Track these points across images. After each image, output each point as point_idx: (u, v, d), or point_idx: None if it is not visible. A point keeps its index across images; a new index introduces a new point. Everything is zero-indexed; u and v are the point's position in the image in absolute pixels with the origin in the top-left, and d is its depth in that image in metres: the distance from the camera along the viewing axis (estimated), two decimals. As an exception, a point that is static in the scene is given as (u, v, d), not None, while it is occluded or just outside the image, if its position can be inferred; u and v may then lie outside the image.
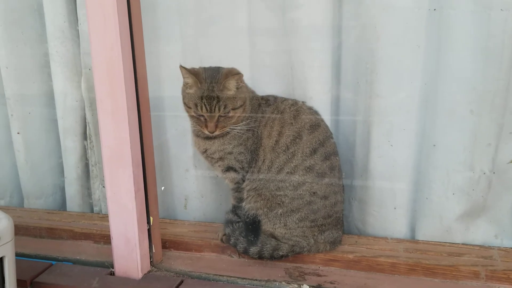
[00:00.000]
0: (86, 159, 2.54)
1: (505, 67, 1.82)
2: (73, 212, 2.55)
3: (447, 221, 2.04)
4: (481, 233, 2.04)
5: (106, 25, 1.60)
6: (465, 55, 1.84)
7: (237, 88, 1.85)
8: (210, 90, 1.81)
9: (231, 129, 1.88)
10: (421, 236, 2.09)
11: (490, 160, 1.94)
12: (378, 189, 2.10)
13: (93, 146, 2.46)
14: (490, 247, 1.98)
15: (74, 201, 2.57)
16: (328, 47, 2.06)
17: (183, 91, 1.91)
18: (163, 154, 2.39)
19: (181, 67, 1.84)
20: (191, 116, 1.89)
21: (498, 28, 1.77)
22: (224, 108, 1.81)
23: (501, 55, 1.81)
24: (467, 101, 1.89)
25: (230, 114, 1.84)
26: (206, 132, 1.85)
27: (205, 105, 1.81)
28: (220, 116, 1.82)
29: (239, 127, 1.89)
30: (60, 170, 2.62)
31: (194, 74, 1.83)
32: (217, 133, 1.85)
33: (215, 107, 1.81)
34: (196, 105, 1.83)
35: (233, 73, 1.83)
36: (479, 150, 1.93)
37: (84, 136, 2.49)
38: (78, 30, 2.33)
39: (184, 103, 1.90)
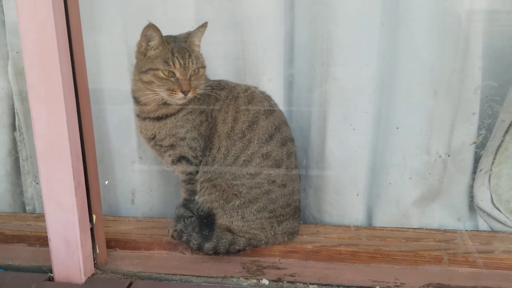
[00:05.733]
0: (16, 153, 2.35)
1: (461, 47, 1.80)
2: (3, 213, 2.36)
3: (404, 206, 2.02)
4: (437, 216, 2.05)
5: (37, -2, 1.41)
6: (422, 34, 1.81)
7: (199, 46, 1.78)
8: (179, 46, 1.71)
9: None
10: (378, 222, 2.07)
11: (446, 143, 1.94)
12: (335, 175, 2.05)
13: (23, 138, 2.28)
14: (446, 231, 1.99)
15: (3, 200, 2.39)
16: (281, 28, 1.97)
17: (142, 58, 1.74)
18: (103, 145, 2.21)
19: (151, 23, 1.66)
20: (158, 80, 1.69)
21: (455, 6, 1.76)
22: (196, 62, 1.72)
23: (457, 34, 1.80)
24: (424, 82, 1.86)
25: (201, 73, 1.75)
26: (179, 95, 1.69)
27: (178, 59, 1.68)
28: (191, 75, 1.71)
29: (205, 88, 1.78)
30: (-15, 166, 2.40)
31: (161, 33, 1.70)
32: (190, 95, 1.71)
33: (188, 61, 1.69)
34: (167, 62, 1.68)
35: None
36: (435, 133, 1.92)
37: (13, 127, 2.30)
38: (2, 5, 2.11)
39: (147, 70, 1.71)
